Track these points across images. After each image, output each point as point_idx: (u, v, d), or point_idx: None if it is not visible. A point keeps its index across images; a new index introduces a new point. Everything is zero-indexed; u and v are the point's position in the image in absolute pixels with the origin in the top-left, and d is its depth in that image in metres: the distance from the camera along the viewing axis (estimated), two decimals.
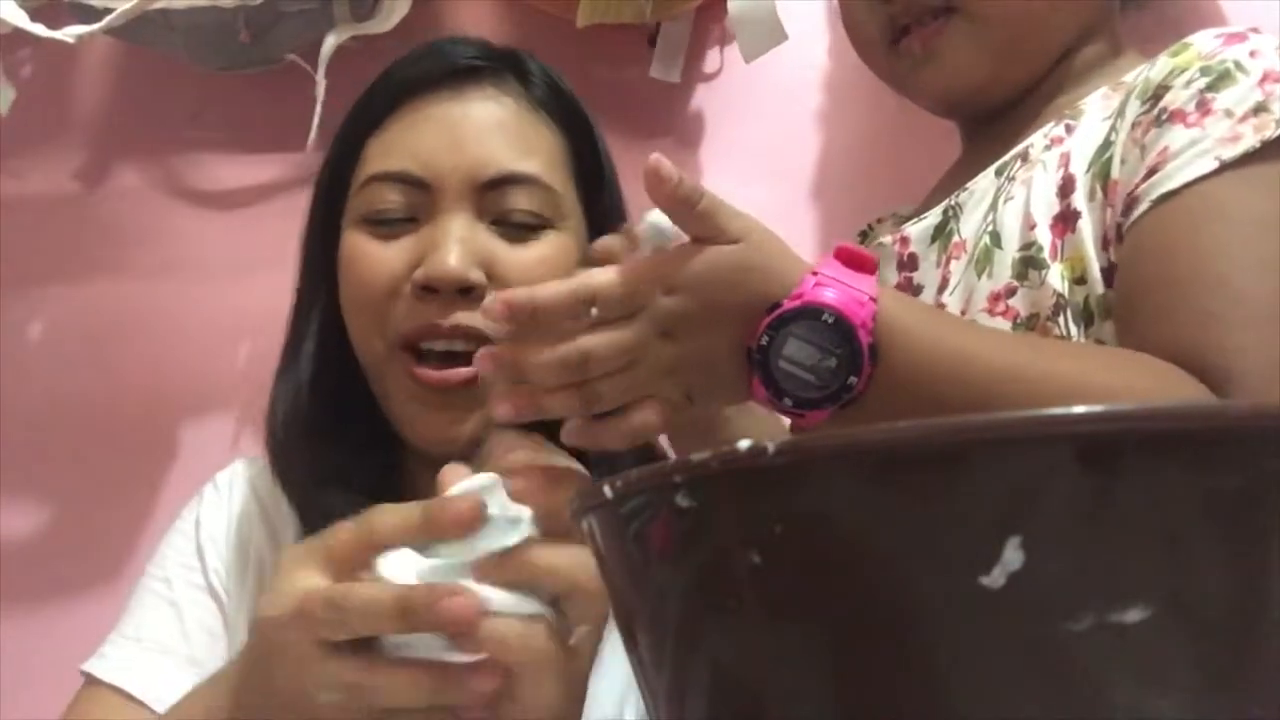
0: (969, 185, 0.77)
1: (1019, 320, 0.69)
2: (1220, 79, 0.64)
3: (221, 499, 0.84)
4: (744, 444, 0.31)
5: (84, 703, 0.77)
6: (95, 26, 0.92)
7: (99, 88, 1.25)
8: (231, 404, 1.16)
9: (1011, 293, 0.70)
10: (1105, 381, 0.56)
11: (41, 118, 1.21)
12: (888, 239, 0.82)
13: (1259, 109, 0.63)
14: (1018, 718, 0.29)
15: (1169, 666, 0.29)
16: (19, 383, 1.18)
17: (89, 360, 1.19)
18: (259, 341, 1.18)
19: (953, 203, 0.78)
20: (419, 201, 0.76)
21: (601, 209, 0.82)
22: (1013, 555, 0.28)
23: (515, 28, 1.19)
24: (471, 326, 0.72)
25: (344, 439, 0.78)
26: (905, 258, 0.80)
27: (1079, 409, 0.29)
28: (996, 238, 0.72)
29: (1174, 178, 0.63)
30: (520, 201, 0.76)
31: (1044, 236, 0.69)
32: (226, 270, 1.19)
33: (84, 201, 1.23)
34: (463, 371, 0.73)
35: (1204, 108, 0.64)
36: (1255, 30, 0.68)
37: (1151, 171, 0.64)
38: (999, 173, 0.75)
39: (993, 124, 0.80)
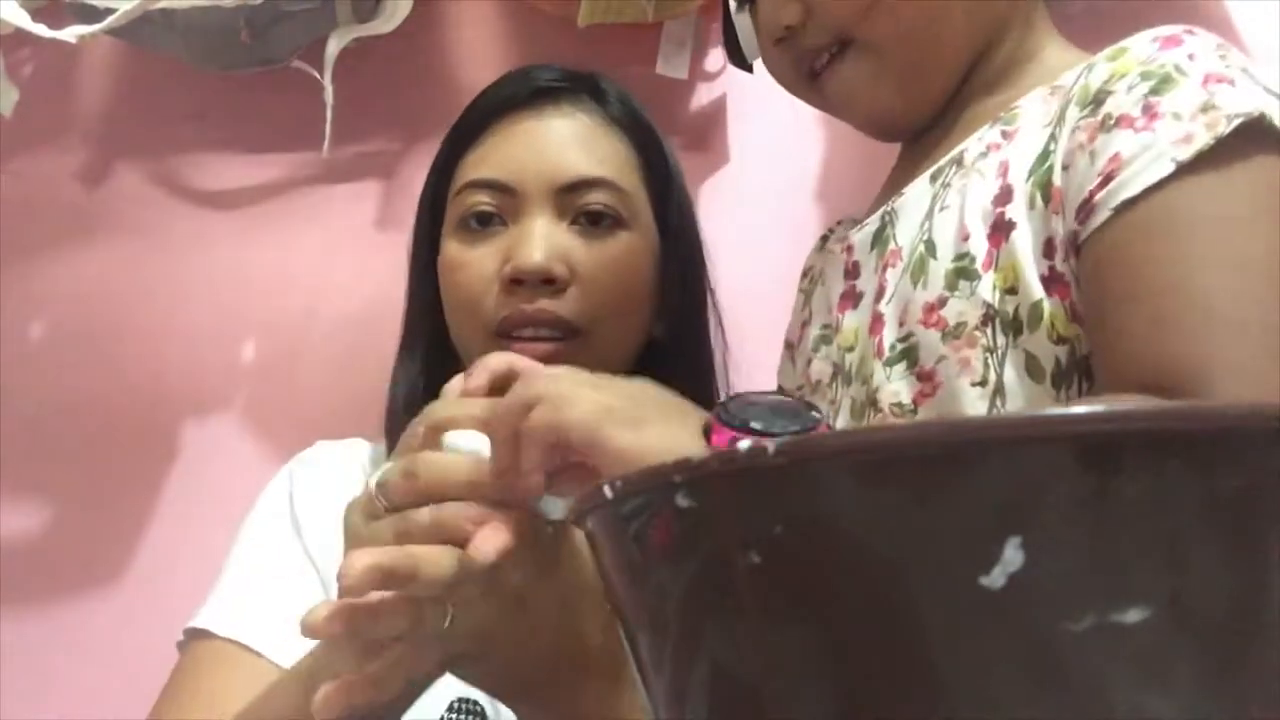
0: (904, 190, 0.77)
1: (947, 330, 0.68)
2: (1162, 83, 0.63)
3: (320, 476, 0.89)
4: (744, 444, 0.31)
5: (197, 659, 0.80)
6: (97, 27, 0.92)
7: (100, 88, 1.25)
8: (232, 404, 1.16)
9: (943, 303, 0.69)
10: None
11: (42, 118, 1.21)
12: (836, 247, 0.83)
13: (1206, 107, 0.61)
14: (1017, 718, 0.29)
15: (1169, 666, 0.29)
16: (19, 383, 1.18)
17: (89, 360, 1.19)
18: (260, 341, 1.18)
19: (889, 208, 0.77)
20: (506, 205, 0.86)
21: (670, 214, 0.91)
22: (1013, 555, 0.28)
23: (516, 28, 1.19)
24: (554, 313, 0.83)
25: None
26: (850, 265, 0.80)
27: (1079, 409, 0.29)
28: (932, 247, 0.71)
29: (1132, 184, 0.61)
30: (595, 200, 0.86)
31: (978, 247, 0.68)
32: (227, 270, 1.19)
33: (84, 201, 1.23)
34: (547, 346, 0.84)
35: (1150, 111, 0.62)
36: (1190, 32, 0.66)
37: (1107, 179, 0.62)
38: (934, 179, 0.75)
39: (927, 130, 0.80)
